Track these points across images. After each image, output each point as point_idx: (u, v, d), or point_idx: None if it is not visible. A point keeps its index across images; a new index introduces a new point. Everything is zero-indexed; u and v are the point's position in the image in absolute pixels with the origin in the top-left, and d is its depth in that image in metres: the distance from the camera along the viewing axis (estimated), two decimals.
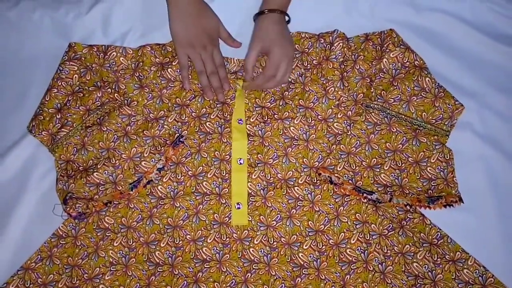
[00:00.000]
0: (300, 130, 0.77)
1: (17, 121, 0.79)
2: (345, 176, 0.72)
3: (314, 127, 0.77)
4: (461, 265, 0.68)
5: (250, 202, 0.73)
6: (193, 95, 0.79)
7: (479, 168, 0.75)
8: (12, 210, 0.73)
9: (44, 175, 0.76)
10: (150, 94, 0.79)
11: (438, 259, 0.69)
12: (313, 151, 0.75)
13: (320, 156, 0.75)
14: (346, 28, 0.81)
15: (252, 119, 0.78)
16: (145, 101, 0.78)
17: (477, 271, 0.68)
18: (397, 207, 0.72)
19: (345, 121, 0.77)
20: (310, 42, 0.81)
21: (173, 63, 0.80)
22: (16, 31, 0.86)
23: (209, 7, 0.82)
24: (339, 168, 0.72)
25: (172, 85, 0.80)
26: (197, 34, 0.79)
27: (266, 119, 0.77)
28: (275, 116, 0.77)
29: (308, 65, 0.80)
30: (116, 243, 0.71)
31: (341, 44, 0.79)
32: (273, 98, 0.79)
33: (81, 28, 0.85)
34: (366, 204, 0.72)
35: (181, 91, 0.79)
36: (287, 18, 0.81)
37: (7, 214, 0.73)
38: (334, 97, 0.78)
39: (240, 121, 0.77)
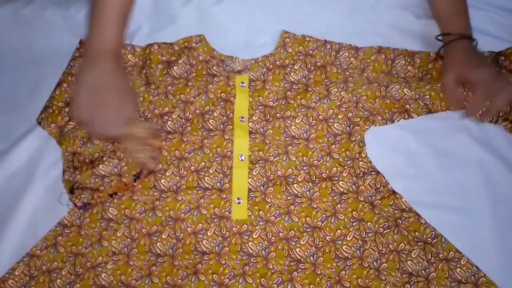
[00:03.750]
0: (301, 129, 0.79)
1: (28, 114, 0.81)
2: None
3: (315, 126, 0.79)
4: (454, 264, 0.69)
5: (250, 197, 0.75)
6: (197, 92, 0.81)
7: (475, 170, 0.76)
8: (19, 199, 0.75)
9: (51, 166, 0.78)
10: (156, 91, 0.81)
11: (432, 258, 0.70)
12: (312, 150, 0.77)
13: (320, 155, 0.77)
14: (346, 32, 0.83)
15: (255, 117, 0.80)
16: (151, 97, 0.81)
17: (469, 270, 0.69)
18: (393, 206, 0.74)
19: (345, 122, 0.79)
20: (315, 45, 0.83)
21: (179, 61, 0.82)
22: (29, 28, 0.89)
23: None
24: None
25: (177, 82, 0.82)
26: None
27: (268, 118, 0.79)
28: (277, 114, 0.79)
29: (312, 66, 0.82)
30: (119, 233, 0.73)
31: (346, 54, 0.82)
32: (275, 97, 0.81)
33: None
34: (363, 203, 0.74)
35: (185, 88, 0.81)
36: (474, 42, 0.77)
37: (15, 203, 0.75)
38: (336, 98, 0.80)
39: (242, 119, 0.79)
